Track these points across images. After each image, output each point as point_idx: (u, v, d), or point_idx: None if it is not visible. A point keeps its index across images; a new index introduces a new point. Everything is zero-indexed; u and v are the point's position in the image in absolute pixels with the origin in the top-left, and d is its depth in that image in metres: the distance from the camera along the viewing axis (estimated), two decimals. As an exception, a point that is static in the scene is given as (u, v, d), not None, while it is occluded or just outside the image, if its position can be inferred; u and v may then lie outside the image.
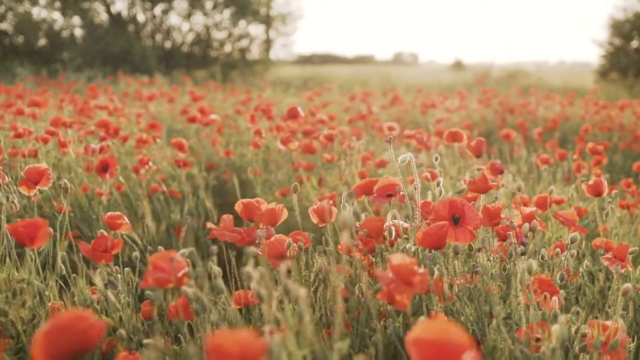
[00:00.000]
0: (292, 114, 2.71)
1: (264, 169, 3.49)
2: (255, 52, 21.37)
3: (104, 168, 2.60)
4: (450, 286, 1.38)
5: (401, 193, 1.57)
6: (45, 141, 2.77)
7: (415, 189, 1.64)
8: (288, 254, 1.43)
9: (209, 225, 1.40)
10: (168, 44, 20.20)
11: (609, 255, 1.44)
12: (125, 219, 1.44)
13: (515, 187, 1.85)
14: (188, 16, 20.28)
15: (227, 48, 21.05)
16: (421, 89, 9.62)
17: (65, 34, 18.83)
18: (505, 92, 10.46)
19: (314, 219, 1.55)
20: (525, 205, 2.34)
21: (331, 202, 1.56)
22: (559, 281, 1.50)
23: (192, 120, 3.94)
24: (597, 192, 1.82)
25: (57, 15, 19.04)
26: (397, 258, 1.00)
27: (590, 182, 1.81)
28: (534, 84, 15.08)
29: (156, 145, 3.41)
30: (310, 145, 2.87)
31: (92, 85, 7.24)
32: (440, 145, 3.12)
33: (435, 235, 1.21)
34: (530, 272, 1.09)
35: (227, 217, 1.41)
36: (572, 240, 1.44)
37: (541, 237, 2.14)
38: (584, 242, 1.87)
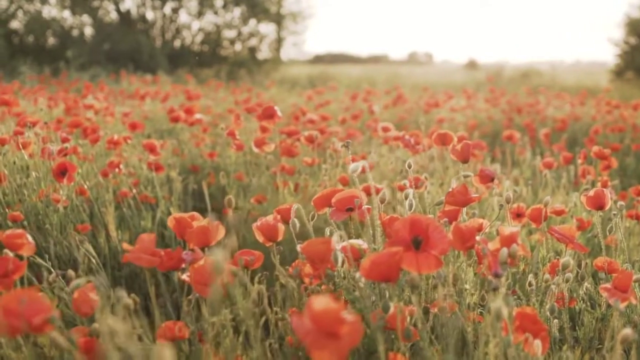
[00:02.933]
0: (268, 114, 2.48)
1: (247, 173, 3.26)
2: (265, 51, 21.22)
3: (61, 172, 2.39)
4: (415, 323, 1.14)
5: (364, 207, 1.34)
6: (2, 142, 2.56)
7: (381, 202, 1.41)
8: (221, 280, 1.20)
9: (125, 246, 1.17)
10: (177, 43, 20.09)
11: (608, 285, 1.19)
12: (29, 237, 1.22)
13: (504, 198, 1.60)
14: (198, 15, 20.16)
15: (238, 47, 20.92)
16: (427, 87, 9.34)
17: (74, 32, 18.78)
18: (514, 91, 10.15)
19: (259, 237, 1.32)
20: (522, 215, 2.09)
21: (279, 217, 1.32)
22: (548, 314, 1.25)
23: (175, 119, 3.72)
24: (598, 204, 1.56)
25: (67, 14, 19.01)
26: (319, 303, 0.76)
27: (591, 192, 1.56)
28: (547, 83, 14.72)
29: (129, 146, 3.19)
30: (290, 148, 2.64)
31: (87, 84, 7.05)
32: (433, 148, 2.88)
33: (385, 265, 0.97)
34: (499, 319, 0.85)
35: (147, 237, 1.18)
36: (564, 267, 1.19)
37: (537, 254, 1.89)
38: (583, 262, 1.61)
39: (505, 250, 1.07)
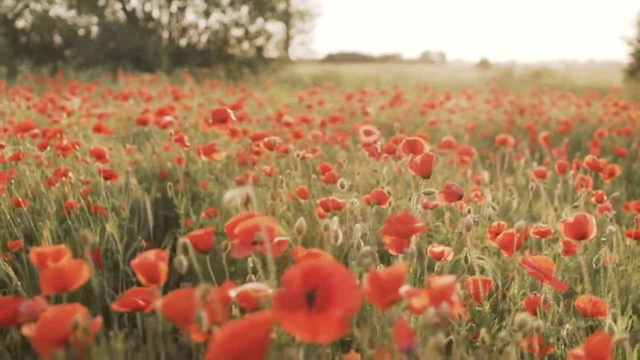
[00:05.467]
0: (220, 118, 2.21)
1: (216, 180, 2.99)
2: (272, 50, 21.01)
3: (-13, 182, 2.15)
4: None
5: (275, 240, 1.06)
6: None
7: (298, 233, 1.13)
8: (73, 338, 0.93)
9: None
10: (184, 42, 19.92)
11: (579, 350, 0.90)
12: None
13: (464, 225, 1.32)
14: (204, 13, 19.99)
15: (245, 46, 20.73)
16: (427, 87, 9.01)
17: (81, 32, 18.67)
18: (523, 91, 9.79)
19: (140, 278, 1.05)
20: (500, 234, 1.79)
21: (164, 253, 1.05)
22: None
23: (143, 122, 3.45)
24: (579, 233, 1.27)
25: (73, 14, 18.89)
26: None
27: (571, 218, 1.27)
28: (559, 83, 14.33)
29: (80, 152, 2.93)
30: (246, 155, 2.37)
31: (75, 84, 6.83)
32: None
33: (243, 341, 0.69)
34: None
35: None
36: (521, 325, 0.91)
37: (517, 284, 1.60)
38: (562, 302, 1.33)
39: (431, 310, 0.79)
